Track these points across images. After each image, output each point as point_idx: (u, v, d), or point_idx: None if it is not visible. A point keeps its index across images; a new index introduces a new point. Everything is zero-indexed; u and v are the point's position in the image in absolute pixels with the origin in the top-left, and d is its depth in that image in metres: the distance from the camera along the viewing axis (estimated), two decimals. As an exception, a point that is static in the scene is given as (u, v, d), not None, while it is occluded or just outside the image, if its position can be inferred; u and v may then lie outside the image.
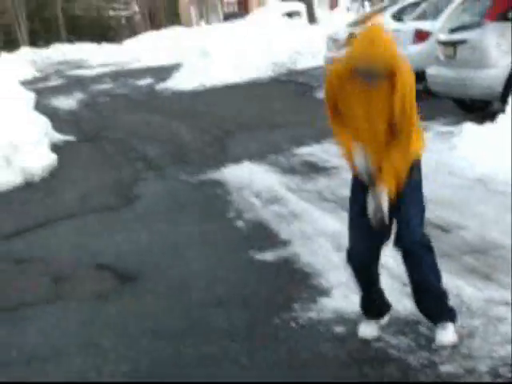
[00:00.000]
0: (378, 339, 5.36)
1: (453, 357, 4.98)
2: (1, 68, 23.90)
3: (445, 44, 13.53)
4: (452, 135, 11.24)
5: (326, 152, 11.83)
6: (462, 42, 12.94)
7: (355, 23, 21.67)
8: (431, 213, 7.97)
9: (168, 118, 19.19)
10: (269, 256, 7.46)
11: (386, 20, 19.97)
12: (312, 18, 33.26)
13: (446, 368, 4.87)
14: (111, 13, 78.24)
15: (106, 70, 42.24)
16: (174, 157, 13.66)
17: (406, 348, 5.20)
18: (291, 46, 27.25)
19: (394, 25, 18.93)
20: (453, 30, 13.64)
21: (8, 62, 37.84)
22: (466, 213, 7.93)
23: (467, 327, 5.34)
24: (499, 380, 4.64)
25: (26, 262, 8.53)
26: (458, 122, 12.41)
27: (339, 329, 5.65)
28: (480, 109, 13.44)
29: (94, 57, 54.85)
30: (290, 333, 5.70)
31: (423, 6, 19.10)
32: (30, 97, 18.35)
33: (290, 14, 34.92)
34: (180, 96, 23.88)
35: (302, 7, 38.37)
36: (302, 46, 27.30)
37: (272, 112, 17.27)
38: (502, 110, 11.42)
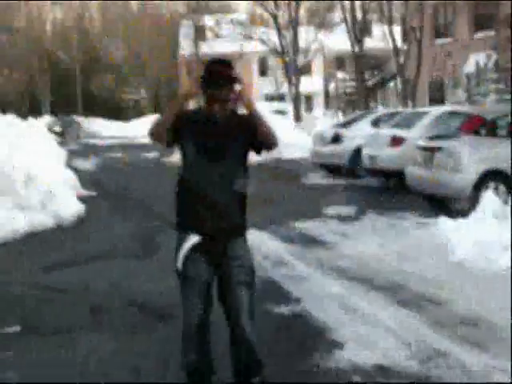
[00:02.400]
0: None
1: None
2: (35, 128, 23.68)
3: (423, 149, 13.56)
4: (427, 225, 11.17)
5: (318, 228, 11.75)
6: (439, 148, 13.00)
7: (340, 125, 21.76)
8: (421, 288, 7.91)
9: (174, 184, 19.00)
10: (284, 310, 7.26)
11: (365, 126, 20.16)
12: (298, 117, 33.43)
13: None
14: (122, 95, 78.49)
15: (116, 141, 42.21)
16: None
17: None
18: (279, 138, 27.21)
19: (373, 130, 19.05)
20: (431, 138, 13.73)
21: (35, 126, 37.73)
22: (451, 290, 7.77)
23: (471, 388, 5.17)
24: None
25: (66, 292, 8.26)
26: (429, 215, 12.37)
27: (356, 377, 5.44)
28: (447, 207, 13.39)
29: (106, 130, 54.93)
30: (313, 377, 5.49)
31: (398, 117, 19.31)
32: (63, 154, 18.19)
33: (278, 112, 35.14)
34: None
35: (288, 107, 38.65)
36: (289, 139, 27.32)
37: (265, 190, 17.14)
38: (468, 209, 11.45)
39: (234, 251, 4.67)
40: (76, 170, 19.17)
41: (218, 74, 4.57)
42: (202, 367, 4.80)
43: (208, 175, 4.59)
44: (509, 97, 29.90)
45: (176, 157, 27.22)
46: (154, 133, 4.70)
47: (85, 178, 19.66)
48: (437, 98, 38.60)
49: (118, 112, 75.43)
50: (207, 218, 4.60)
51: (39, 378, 5.62)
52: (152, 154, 30.44)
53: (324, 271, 8.84)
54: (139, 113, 73.42)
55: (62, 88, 77.55)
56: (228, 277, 4.66)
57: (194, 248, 4.60)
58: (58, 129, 52.64)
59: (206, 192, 4.60)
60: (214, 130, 4.64)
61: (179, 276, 4.70)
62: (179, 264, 4.62)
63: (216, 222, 4.60)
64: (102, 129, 57.28)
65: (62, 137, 49.15)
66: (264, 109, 34.95)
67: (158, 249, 10.64)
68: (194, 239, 4.60)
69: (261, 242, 10.55)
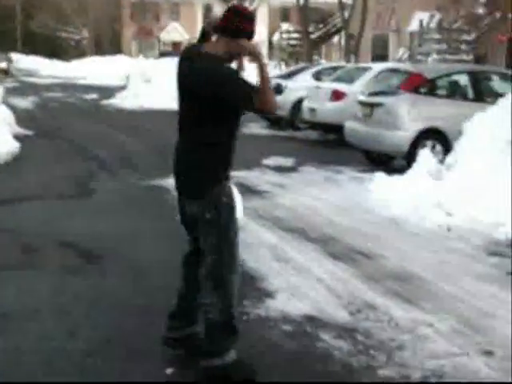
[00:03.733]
0: (322, 340, 5.19)
1: (388, 364, 4.85)
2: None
3: (364, 104, 13.59)
4: (363, 180, 11.25)
5: (256, 178, 11.75)
6: (379, 104, 13.05)
7: (282, 76, 21.65)
8: (354, 242, 7.97)
9: (114, 129, 18.81)
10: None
11: (307, 78, 20.12)
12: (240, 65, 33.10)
13: (383, 372, 4.72)
14: (64, 34, 76.84)
15: (56, 81, 41.46)
16: (122, 162, 13.32)
17: (346, 351, 5.04)
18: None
19: (315, 83, 19.03)
20: (371, 94, 13.76)
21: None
22: (384, 245, 7.83)
23: (397, 341, 5.22)
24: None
25: (-3, 231, 8.13)
26: (366, 170, 12.46)
27: (286, 326, 5.46)
28: (384, 163, 13.49)
29: (45, 68, 53.89)
30: (244, 325, 5.49)
31: (340, 71, 19.32)
32: (-1, 91, 17.78)
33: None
34: (123, 113, 23.53)
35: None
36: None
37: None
38: (403, 166, 11.55)
39: None
40: (13, 108, 18.79)
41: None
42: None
43: None
44: (450, 57, 30.18)
45: (113, 100, 26.94)
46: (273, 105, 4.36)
47: (21, 117, 19.30)
48: (380, 55, 38.75)
49: (59, 51, 73.84)
50: None
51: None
52: (91, 96, 30.00)
53: (259, 221, 8.84)
54: (80, 53, 72.01)
55: (1, 25, 75.63)
56: None
57: None
58: (3, 65, 51.57)
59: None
60: None
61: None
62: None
63: None
64: (42, 67, 56.09)
65: (7, 74, 48.22)
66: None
67: (93, 191, 10.52)
68: None
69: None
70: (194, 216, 4.47)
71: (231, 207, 4.45)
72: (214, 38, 4.47)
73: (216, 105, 4.24)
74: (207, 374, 4.49)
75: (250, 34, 4.36)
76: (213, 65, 4.26)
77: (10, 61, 54.87)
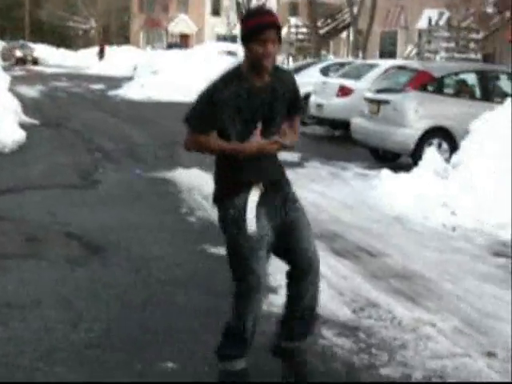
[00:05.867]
0: (324, 338, 5.18)
1: (390, 363, 4.83)
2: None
3: (370, 101, 13.57)
4: (369, 177, 11.24)
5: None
6: (386, 101, 13.03)
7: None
8: (358, 239, 7.96)
9: (120, 120, 18.80)
10: (222, 251, 7.19)
11: (315, 73, 20.12)
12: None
13: (385, 371, 4.71)
14: (71, 24, 76.86)
15: (63, 70, 41.42)
16: (128, 153, 13.31)
17: (348, 349, 5.03)
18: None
19: (322, 78, 19.02)
20: (378, 91, 13.73)
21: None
22: (388, 243, 7.82)
23: (400, 339, 5.20)
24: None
25: (2, 220, 8.11)
26: (372, 167, 12.45)
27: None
28: (389, 160, 13.47)
29: (53, 57, 53.88)
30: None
31: (347, 67, 19.30)
32: (6, 79, 17.77)
33: (228, 53, 34.66)
34: (130, 104, 23.50)
35: (237, 48, 38.27)
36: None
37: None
38: (409, 164, 11.54)
39: None
40: (19, 97, 18.80)
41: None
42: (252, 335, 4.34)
43: None
44: (458, 56, 30.07)
45: (120, 91, 26.91)
46: (191, 149, 4.27)
47: (28, 105, 19.31)
48: (388, 51, 38.66)
49: (67, 40, 74.02)
50: None
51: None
52: (98, 86, 29.96)
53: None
54: (88, 43, 72.09)
55: (10, 13, 75.67)
56: None
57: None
58: (19, 54, 51.58)
59: None
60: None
61: None
62: None
63: None
64: (49, 56, 56.10)
65: (36, 64, 48.11)
66: (214, 49, 34.64)
67: (98, 182, 10.52)
68: None
69: (202, 183, 10.45)
70: None
71: (237, 220, 4.16)
72: None
73: None
74: (220, 376, 4.43)
75: (256, 28, 3.99)
76: None
77: (26, 48, 54.71)
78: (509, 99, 10.55)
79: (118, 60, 44.17)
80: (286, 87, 4.23)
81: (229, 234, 4.21)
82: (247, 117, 4.10)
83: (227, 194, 4.21)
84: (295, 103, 4.33)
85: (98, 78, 34.17)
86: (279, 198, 4.31)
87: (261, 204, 4.17)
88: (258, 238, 4.12)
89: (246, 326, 4.27)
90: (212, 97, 4.07)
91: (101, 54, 52.67)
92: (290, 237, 4.32)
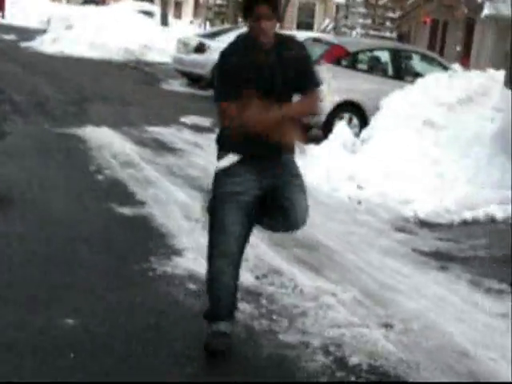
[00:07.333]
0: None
1: (290, 329, 4.89)
2: None
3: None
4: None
5: (172, 135, 11.66)
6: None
7: (205, 35, 21.46)
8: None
9: (31, 73, 18.33)
10: (127, 211, 7.14)
11: (231, 39, 20.01)
12: (165, 21, 32.63)
13: (284, 337, 4.76)
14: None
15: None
16: (38, 107, 13.01)
17: (249, 314, 5.07)
18: (143, 40, 26.54)
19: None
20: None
21: None
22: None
23: (301, 307, 5.26)
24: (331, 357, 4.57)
25: None
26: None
27: (191, 285, 5.45)
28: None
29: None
30: (148, 280, 5.46)
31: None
32: None
33: (145, 13, 34.14)
34: (42, 57, 22.91)
35: (156, 9, 37.76)
36: (153, 42, 26.71)
37: (123, 91, 16.85)
38: (320, 136, 11.65)
39: None
40: None
41: None
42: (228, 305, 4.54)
43: None
44: (374, 33, 30.42)
45: (33, 43, 26.23)
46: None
47: None
48: (305, 23, 38.80)
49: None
50: None
51: None
52: (9, 37, 29.13)
53: (172, 178, 8.77)
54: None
55: None
56: None
57: None
58: None
59: None
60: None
61: None
62: None
63: None
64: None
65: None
66: (130, 7, 34.05)
67: (6, 133, 10.29)
68: None
69: (112, 142, 10.34)
70: None
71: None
72: None
73: None
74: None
75: (247, 5, 4.11)
76: None
77: None
78: (420, 79, 10.74)
79: (30, 10, 43.07)
80: (293, 59, 4.23)
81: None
82: (249, 86, 4.15)
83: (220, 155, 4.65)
84: (307, 75, 4.33)
85: (10, 29, 33.15)
86: (272, 170, 4.49)
87: (249, 169, 4.41)
88: (229, 193, 4.43)
89: (215, 279, 4.56)
90: (221, 66, 4.26)
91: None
92: (280, 199, 4.65)
